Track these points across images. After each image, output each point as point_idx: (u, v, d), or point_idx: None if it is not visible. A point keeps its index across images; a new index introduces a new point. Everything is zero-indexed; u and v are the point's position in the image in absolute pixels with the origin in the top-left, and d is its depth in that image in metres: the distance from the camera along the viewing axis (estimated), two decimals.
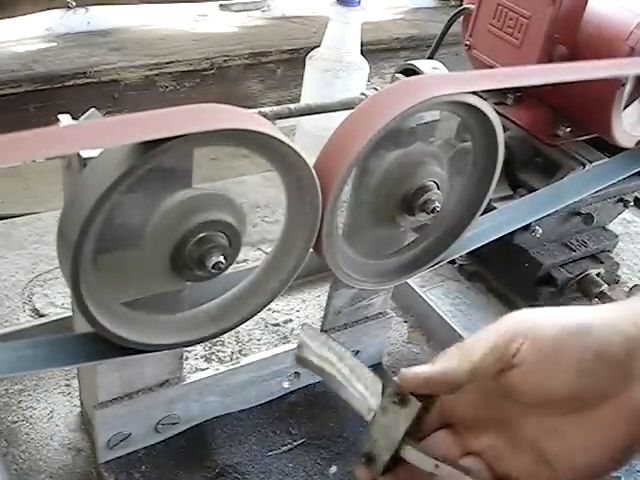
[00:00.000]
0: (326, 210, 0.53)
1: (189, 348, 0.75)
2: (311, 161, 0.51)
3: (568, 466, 0.41)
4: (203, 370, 0.68)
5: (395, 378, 0.44)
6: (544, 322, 0.42)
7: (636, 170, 0.85)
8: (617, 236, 0.98)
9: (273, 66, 1.63)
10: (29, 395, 0.72)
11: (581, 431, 0.41)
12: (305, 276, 0.88)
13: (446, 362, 0.42)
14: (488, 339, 0.42)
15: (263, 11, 1.76)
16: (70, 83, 1.37)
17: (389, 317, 0.77)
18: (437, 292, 0.94)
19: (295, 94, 1.60)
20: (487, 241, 0.70)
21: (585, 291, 0.90)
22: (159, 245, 0.49)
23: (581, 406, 0.41)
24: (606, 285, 0.89)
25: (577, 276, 0.90)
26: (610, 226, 0.99)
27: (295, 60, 1.59)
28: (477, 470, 0.42)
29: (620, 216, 1.00)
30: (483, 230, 0.71)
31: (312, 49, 1.13)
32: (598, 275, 0.91)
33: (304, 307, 0.85)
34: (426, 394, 0.42)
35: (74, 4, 1.47)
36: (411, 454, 0.42)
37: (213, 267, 0.50)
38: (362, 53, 1.12)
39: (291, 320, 0.83)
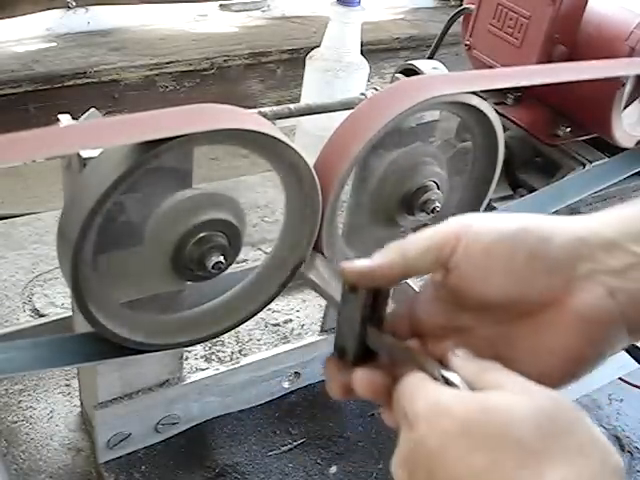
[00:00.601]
0: (326, 210, 0.53)
1: (189, 348, 0.75)
2: (311, 161, 0.51)
3: (518, 372, 0.40)
4: (203, 370, 0.68)
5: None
6: (483, 227, 0.41)
7: (636, 170, 0.85)
8: None
9: (273, 66, 1.63)
10: (29, 395, 0.72)
11: (528, 337, 0.41)
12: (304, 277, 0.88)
13: (384, 257, 0.43)
14: (426, 239, 0.42)
15: (263, 11, 1.76)
16: (70, 83, 1.37)
17: None
18: None
19: (295, 94, 1.60)
20: None
21: None
22: (159, 245, 0.49)
23: (525, 311, 0.40)
24: None
25: None
26: None
27: (295, 60, 1.59)
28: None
29: None
30: None
31: (312, 49, 1.13)
32: None
33: (304, 307, 0.85)
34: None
35: (74, 4, 1.47)
36: (373, 341, 0.44)
37: (213, 267, 0.50)
38: (362, 53, 1.12)
39: (291, 320, 0.83)
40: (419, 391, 0.39)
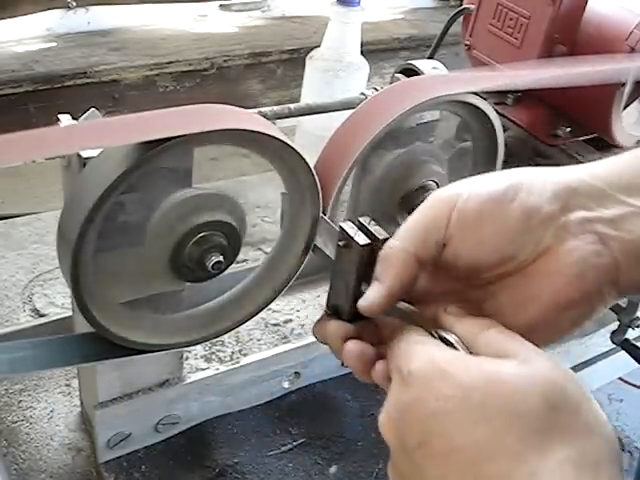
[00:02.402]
0: (326, 210, 0.53)
1: (189, 348, 0.75)
2: (311, 161, 0.51)
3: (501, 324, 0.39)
4: (203, 370, 0.69)
5: (340, 224, 0.45)
6: (471, 192, 0.40)
7: None
8: None
9: (273, 66, 1.63)
10: (29, 395, 0.72)
11: (515, 289, 0.40)
12: (305, 276, 0.87)
13: (390, 273, 0.41)
14: (421, 225, 0.41)
15: (263, 11, 1.76)
16: (70, 83, 1.37)
17: None
18: None
19: (295, 94, 1.60)
20: None
21: None
22: (159, 245, 0.49)
23: (516, 267, 0.40)
24: None
25: None
26: None
27: (295, 60, 1.59)
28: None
29: None
30: None
31: (312, 49, 1.13)
32: None
33: (304, 307, 0.85)
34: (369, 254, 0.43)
35: (74, 4, 1.47)
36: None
37: (213, 267, 0.50)
38: (362, 53, 1.11)
39: (291, 320, 0.83)
40: (416, 347, 0.37)
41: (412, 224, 0.42)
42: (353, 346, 0.42)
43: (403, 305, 0.42)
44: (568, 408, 0.33)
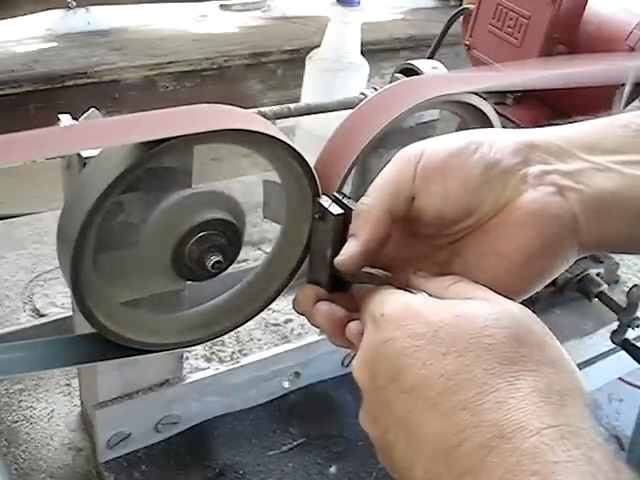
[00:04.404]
0: None
1: (189, 348, 0.75)
2: (311, 161, 0.51)
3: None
4: (203, 370, 0.69)
5: (318, 199, 0.47)
6: (434, 148, 0.42)
7: None
8: None
9: (273, 66, 1.63)
10: (29, 395, 0.72)
11: (478, 245, 0.41)
12: (305, 276, 0.87)
13: (365, 227, 0.42)
14: (390, 183, 0.42)
15: (263, 11, 1.76)
16: (70, 83, 1.38)
17: None
18: None
19: (295, 94, 1.60)
20: None
21: (585, 291, 0.90)
22: (159, 244, 0.49)
23: (478, 222, 0.41)
24: (606, 285, 0.89)
25: (577, 276, 0.90)
26: None
27: (295, 60, 1.59)
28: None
29: None
30: None
31: (312, 49, 1.13)
32: (598, 275, 0.91)
33: None
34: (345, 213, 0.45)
35: (74, 4, 1.47)
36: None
37: (212, 266, 0.50)
38: (362, 53, 1.11)
39: (291, 320, 0.83)
40: (388, 296, 0.39)
41: (381, 182, 0.43)
42: (323, 306, 0.44)
43: (377, 271, 0.43)
44: (534, 343, 0.35)
